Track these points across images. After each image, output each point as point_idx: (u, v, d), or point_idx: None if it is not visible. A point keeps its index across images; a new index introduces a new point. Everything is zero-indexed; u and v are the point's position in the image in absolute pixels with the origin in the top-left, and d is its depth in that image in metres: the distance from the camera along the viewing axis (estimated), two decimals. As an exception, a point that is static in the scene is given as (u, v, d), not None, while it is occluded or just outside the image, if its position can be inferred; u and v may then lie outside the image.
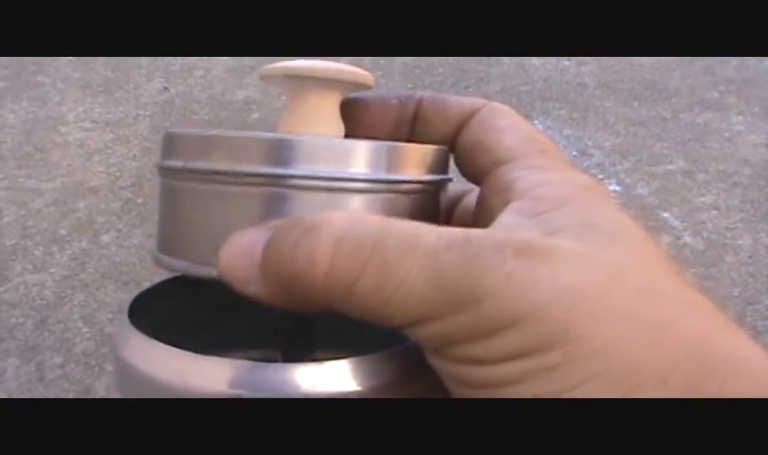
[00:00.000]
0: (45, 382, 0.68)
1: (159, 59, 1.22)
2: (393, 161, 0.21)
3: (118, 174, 0.97)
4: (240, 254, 0.18)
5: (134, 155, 1.00)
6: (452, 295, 0.15)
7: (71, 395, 0.67)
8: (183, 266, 0.21)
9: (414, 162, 0.22)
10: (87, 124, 1.08)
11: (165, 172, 0.24)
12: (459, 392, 0.18)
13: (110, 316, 0.74)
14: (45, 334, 0.72)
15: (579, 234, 0.17)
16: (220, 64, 1.21)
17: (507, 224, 0.17)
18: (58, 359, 0.70)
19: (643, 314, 0.16)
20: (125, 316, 0.24)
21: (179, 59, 1.22)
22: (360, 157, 0.20)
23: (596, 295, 0.16)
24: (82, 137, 1.05)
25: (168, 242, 0.23)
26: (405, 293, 0.15)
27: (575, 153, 0.94)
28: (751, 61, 1.25)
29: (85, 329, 0.73)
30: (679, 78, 1.16)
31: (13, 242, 0.85)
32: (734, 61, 1.24)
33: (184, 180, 0.22)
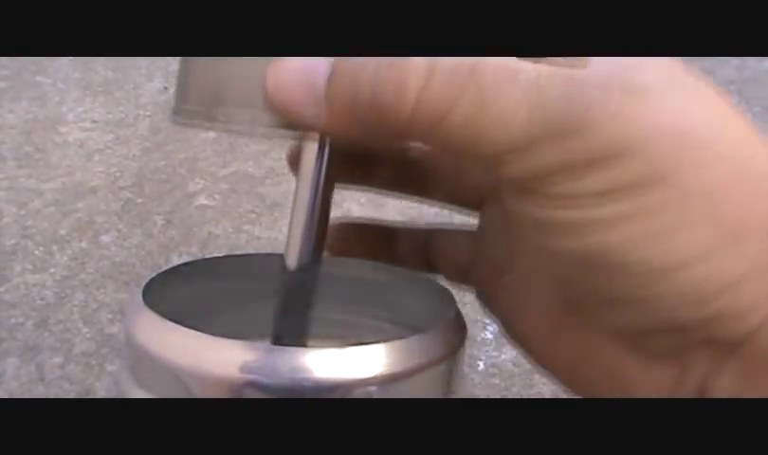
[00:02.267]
0: (45, 382, 0.68)
1: (159, 59, 1.22)
2: None
3: (118, 174, 0.97)
4: (294, 79, 0.16)
5: (134, 155, 1.00)
6: (554, 125, 0.14)
7: (71, 395, 0.67)
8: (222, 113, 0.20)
9: None
10: (87, 124, 1.08)
11: None
12: (543, 240, 0.16)
13: (110, 316, 0.74)
14: (46, 334, 0.72)
15: (672, 83, 0.16)
16: (220, 64, 1.21)
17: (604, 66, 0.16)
18: (58, 359, 0.70)
19: (746, 163, 0.15)
20: (139, 296, 0.24)
21: (179, 59, 1.22)
22: None
23: (704, 138, 0.15)
24: (82, 137, 1.05)
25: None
26: (505, 122, 0.14)
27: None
28: (751, 61, 1.25)
29: (85, 329, 0.73)
30: (679, 78, 1.16)
31: (13, 242, 0.85)
32: (734, 61, 1.24)
33: None
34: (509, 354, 0.67)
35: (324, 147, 0.21)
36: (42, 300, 0.76)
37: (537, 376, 0.65)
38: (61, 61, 1.23)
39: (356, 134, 0.16)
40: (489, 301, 0.24)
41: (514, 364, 0.66)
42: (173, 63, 1.22)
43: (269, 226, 0.87)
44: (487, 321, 0.71)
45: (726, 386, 0.18)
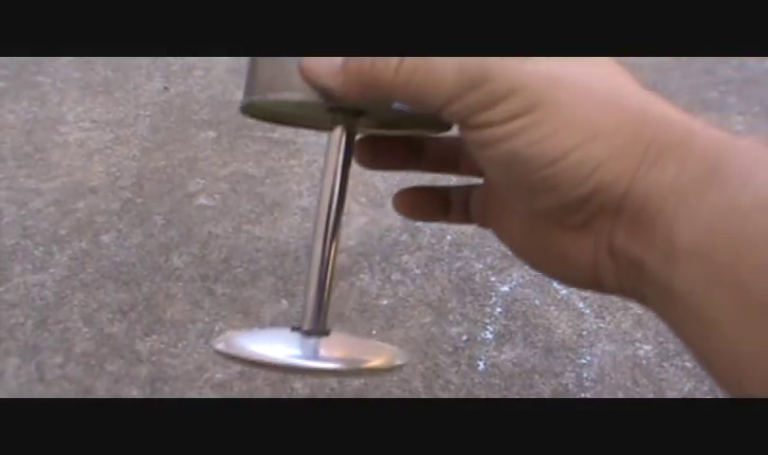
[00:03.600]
0: (45, 382, 0.68)
1: (159, 59, 1.22)
2: None
3: (118, 174, 0.97)
4: (320, 62, 0.26)
5: (134, 155, 1.00)
6: (470, 79, 0.24)
7: (71, 395, 0.67)
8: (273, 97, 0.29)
9: None
10: (87, 124, 1.08)
11: None
12: (481, 154, 0.25)
13: (110, 316, 0.74)
14: (45, 334, 0.72)
15: (556, 60, 0.24)
16: (220, 64, 1.21)
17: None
18: (58, 359, 0.70)
19: (595, 90, 0.24)
20: None
21: (179, 59, 1.22)
22: None
23: (562, 77, 0.24)
24: (82, 137, 1.05)
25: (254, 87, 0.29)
26: (442, 81, 0.24)
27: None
28: (751, 61, 1.25)
29: (85, 329, 0.73)
30: (679, 78, 1.16)
31: (13, 242, 0.85)
32: (734, 61, 1.24)
33: None
34: (509, 354, 0.67)
35: (345, 136, 0.30)
36: (42, 299, 0.76)
37: (537, 376, 0.65)
38: (61, 61, 1.23)
39: (360, 94, 0.26)
40: (486, 223, 0.33)
41: (514, 364, 0.66)
42: (173, 63, 1.23)
43: (269, 226, 0.87)
44: (487, 321, 0.71)
45: (622, 239, 0.24)
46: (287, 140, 1.03)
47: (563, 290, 0.76)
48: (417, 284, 0.75)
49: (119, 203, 0.91)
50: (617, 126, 0.23)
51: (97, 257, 0.82)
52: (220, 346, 0.28)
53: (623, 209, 0.24)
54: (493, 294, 0.76)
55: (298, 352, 0.29)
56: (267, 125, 1.06)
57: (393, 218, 0.86)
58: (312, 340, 0.30)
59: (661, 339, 0.67)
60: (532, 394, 0.63)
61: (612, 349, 0.67)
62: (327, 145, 0.30)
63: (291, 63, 0.27)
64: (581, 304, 0.74)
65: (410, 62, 0.24)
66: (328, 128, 0.30)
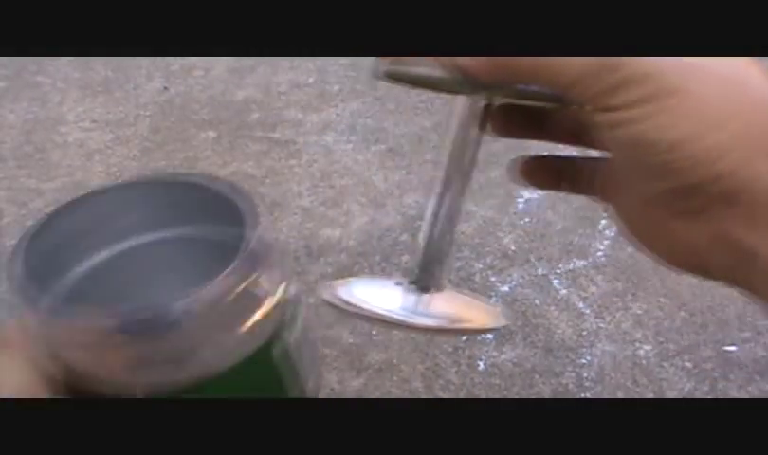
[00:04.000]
0: (46, 382, 0.68)
1: (159, 59, 1.22)
2: None
3: (118, 174, 0.97)
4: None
5: (134, 155, 1.00)
6: (604, 62, 0.24)
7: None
8: (407, 71, 0.29)
9: None
10: (87, 124, 1.08)
11: None
12: (605, 135, 0.26)
13: (110, 316, 0.74)
14: (46, 334, 0.72)
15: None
16: (220, 64, 1.21)
17: None
18: (58, 359, 0.70)
19: (728, 82, 0.24)
20: None
21: (179, 59, 1.22)
22: None
23: (697, 67, 0.24)
24: (82, 137, 1.05)
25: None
26: (577, 63, 0.25)
27: (575, 152, 0.94)
28: (751, 61, 1.24)
29: (85, 329, 0.73)
30: (679, 78, 1.16)
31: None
32: (734, 61, 1.23)
33: None
34: (509, 354, 0.67)
35: (476, 104, 0.31)
36: (42, 299, 0.76)
37: (537, 376, 0.65)
38: (61, 61, 1.23)
39: (495, 77, 0.27)
40: (605, 198, 0.34)
41: (514, 364, 0.66)
42: (173, 63, 1.23)
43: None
44: (487, 321, 0.71)
45: (737, 229, 0.25)
46: (287, 140, 1.03)
47: (563, 290, 0.76)
48: (417, 284, 0.75)
49: (119, 203, 0.91)
50: (745, 118, 0.24)
51: (97, 257, 0.82)
52: (326, 295, 0.29)
53: (741, 199, 0.24)
54: (493, 294, 0.76)
55: (394, 306, 0.29)
56: (268, 125, 1.06)
57: (393, 218, 0.86)
58: (413, 296, 0.30)
59: (661, 339, 0.68)
60: (532, 394, 0.63)
61: (612, 349, 0.67)
62: (459, 109, 0.31)
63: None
64: (581, 304, 0.74)
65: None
66: (457, 92, 0.31)
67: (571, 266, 0.78)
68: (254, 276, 0.30)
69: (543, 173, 0.36)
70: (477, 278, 0.77)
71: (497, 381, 0.65)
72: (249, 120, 1.08)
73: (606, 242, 0.80)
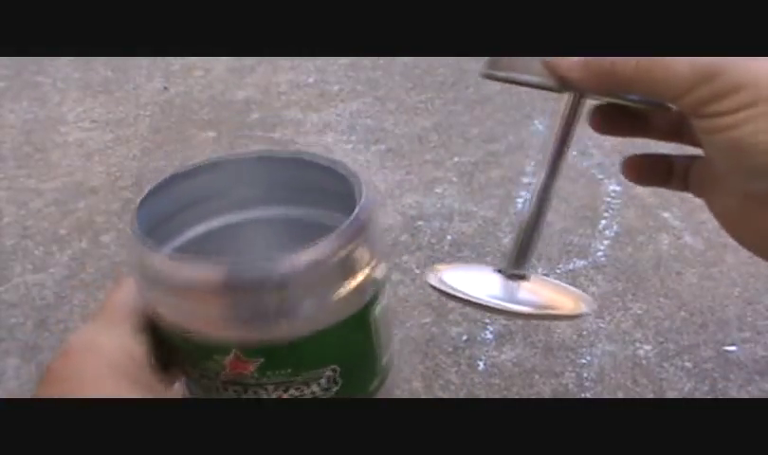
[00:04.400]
0: (46, 382, 0.68)
1: (159, 59, 1.22)
2: None
3: (118, 174, 0.97)
4: (560, 60, 0.29)
5: (134, 155, 1.00)
6: (702, 74, 0.27)
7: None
8: (512, 76, 0.32)
9: None
10: (87, 124, 1.08)
11: None
12: (706, 139, 0.28)
13: (110, 316, 0.74)
14: (46, 334, 0.72)
15: None
16: (220, 64, 1.21)
17: None
18: (58, 359, 0.70)
19: None
20: None
21: (179, 59, 1.22)
22: None
23: None
24: (82, 137, 1.05)
25: (498, 63, 0.33)
26: (677, 75, 0.27)
27: (574, 152, 0.94)
28: (751, 61, 1.24)
29: (85, 329, 0.73)
30: (679, 78, 1.16)
31: (13, 242, 0.85)
32: (734, 61, 1.23)
33: None
34: (509, 354, 0.67)
35: (577, 103, 0.33)
36: (42, 299, 0.76)
37: (537, 376, 0.65)
38: (61, 61, 1.23)
39: (599, 86, 0.30)
40: (702, 194, 0.36)
41: (514, 364, 0.66)
42: (173, 63, 1.23)
43: (269, 226, 0.87)
44: (487, 321, 0.71)
45: None
46: (287, 140, 1.03)
47: (563, 290, 0.76)
48: (417, 284, 0.75)
49: (119, 203, 0.91)
50: None
51: (97, 257, 0.82)
52: (433, 280, 0.33)
53: None
54: (493, 294, 0.75)
55: (494, 292, 0.33)
56: (267, 125, 1.06)
57: (393, 218, 0.86)
58: (510, 283, 0.34)
59: (661, 339, 0.68)
60: (532, 394, 0.63)
61: (612, 349, 0.67)
62: (560, 109, 0.34)
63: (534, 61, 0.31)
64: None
65: (646, 59, 0.27)
66: (556, 90, 0.34)
67: (571, 266, 0.78)
68: (358, 242, 0.32)
69: (650, 172, 0.39)
70: (477, 278, 0.77)
71: (497, 381, 0.65)
72: (249, 120, 1.08)
73: (606, 242, 0.80)
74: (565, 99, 0.33)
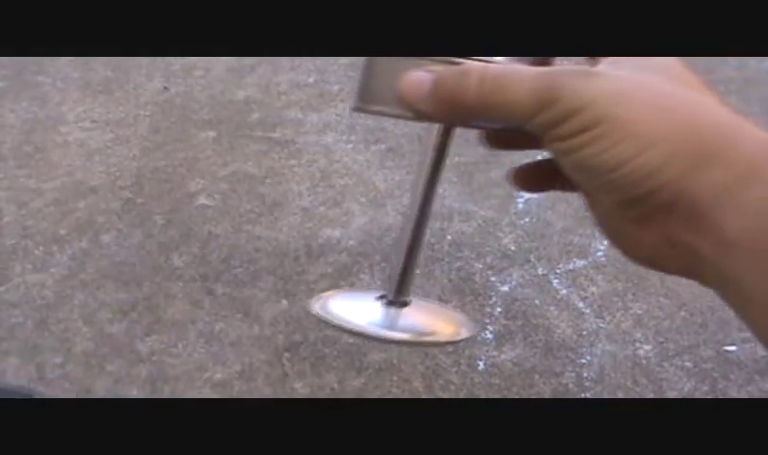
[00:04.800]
0: (46, 382, 0.68)
1: (159, 59, 1.22)
2: None
3: (118, 174, 0.97)
4: (412, 88, 0.30)
5: (134, 155, 1.00)
6: (541, 101, 0.27)
7: (71, 395, 0.67)
8: (378, 109, 0.32)
9: None
10: (87, 124, 1.08)
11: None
12: (558, 161, 0.29)
13: (110, 316, 0.74)
14: (45, 334, 0.72)
15: (625, 68, 0.28)
16: (220, 64, 1.21)
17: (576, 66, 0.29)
18: (58, 359, 0.70)
19: (656, 104, 0.27)
20: None
21: (179, 59, 1.22)
22: None
23: (628, 93, 0.27)
24: (82, 137, 1.05)
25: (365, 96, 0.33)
26: (516, 105, 0.27)
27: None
28: (751, 61, 1.25)
29: (85, 329, 0.73)
30: (679, 78, 1.16)
31: (13, 242, 0.85)
32: (734, 61, 1.24)
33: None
34: (509, 354, 0.67)
35: (448, 131, 0.33)
36: (42, 299, 0.76)
37: (537, 376, 0.65)
38: (61, 61, 1.23)
39: (447, 117, 0.30)
40: (588, 204, 0.36)
41: (514, 364, 0.66)
42: (173, 63, 1.22)
43: (269, 225, 0.87)
44: (487, 321, 0.71)
45: (679, 231, 0.27)
46: (287, 140, 1.03)
47: (563, 290, 0.76)
48: (417, 284, 0.75)
49: (119, 203, 0.91)
50: (672, 136, 0.27)
51: (97, 257, 0.82)
52: (315, 308, 0.33)
53: (678, 206, 0.27)
54: (493, 294, 0.75)
55: (374, 320, 0.33)
56: (268, 125, 1.06)
57: (393, 218, 0.86)
58: (391, 310, 0.34)
59: (661, 339, 0.67)
60: (532, 394, 0.63)
61: (612, 349, 0.67)
62: (426, 136, 0.34)
63: (392, 82, 0.32)
64: (581, 304, 0.73)
65: (488, 87, 0.28)
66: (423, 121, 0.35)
67: (571, 266, 0.78)
68: None
69: (536, 178, 0.38)
70: (477, 278, 0.77)
71: (497, 381, 0.65)
72: (249, 120, 1.07)
73: (606, 242, 0.80)
74: (435, 127, 0.33)
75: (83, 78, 1.20)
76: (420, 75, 0.30)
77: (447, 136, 0.34)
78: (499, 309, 0.73)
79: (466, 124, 0.33)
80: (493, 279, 0.77)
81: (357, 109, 0.34)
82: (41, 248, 0.83)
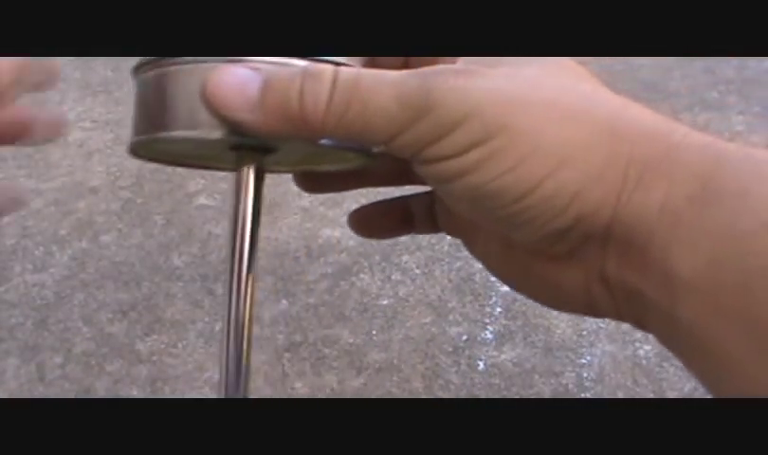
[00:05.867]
0: (46, 382, 0.68)
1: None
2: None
3: (118, 174, 0.97)
4: (231, 87, 0.22)
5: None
6: (412, 109, 0.20)
7: (71, 395, 0.67)
8: (165, 135, 0.24)
9: None
10: (87, 124, 1.08)
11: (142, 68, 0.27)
12: (440, 190, 0.23)
13: (110, 316, 0.74)
14: (45, 334, 0.72)
15: (507, 64, 0.22)
16: (220, 64, 1.21)
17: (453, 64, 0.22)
18: (58, 359, 0.70)
19: (560, 105, 0.21)
20: None
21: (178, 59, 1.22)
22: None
23: (520, 95, 0.21)
24: (82, 137, 1.05)
25: (146, 125, 0.25)
26: (380, 115, 0.20)
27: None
28: (751, 61, 1.25)
29: (85, 329, 0.73)
30: (679, 78, 1.16)
31: (13, 242, 0.85)
32: (734, 61, 1.23)
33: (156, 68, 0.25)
34: (509, 354, 0.67)
35: (261, 174, 0.25)
36: (42, 299, 0.76)
37: (537, 376, 0.65)
38: (61, 61, 1.23)
39: (284, 132, 0.22)
40: (467, 245, 0.29)
41: (514, 364, 0.66)
42: (173, 63, 1.18)
43: (269, 225, 0.87)
44: (487, 321, 0.71)
45: (614, 268, 0.21)
46: (287, 140, 1.03)
47: (563, 290, 0.76)
48: (417, 284, 0.75)
49: (119, 203, 0.91)
50: (589, 145, 0.20)
51: (97, 257, 0.82)
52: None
53: (611, 236, 0.21)
54: (493, 294, 0.76)
55: None
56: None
57: (393, 218, 0.86)
58: None
59: (661, 339, 0.68)
60: (532, 394, 0.63)
61: (612, 349, 0.67)
62: (235, 190, 0.25)
63: (188, 93, 0.23)
64: (581, 304, 0.73)
65: (342, 94, 0.21)
66: (230, 169, 0.26)
67: (571, 266, 0.78)
68: None
69: (386, 222, 0.31)
70: (477, 278, 0.77)
71: (497, 381, 0.65)
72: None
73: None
74: (244, 174, 0.25)
75: (83, 78, 1.20)
76: (242, 72, 0.22)
77: (261, 179, 0.25)
78: (499, 309, 0.73)
79: (296, 144, 0.23)
80: (493, 279, 0.77)
81: (136, 146, 0.24)
82: (41, 248, 0.83)
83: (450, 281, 0.77)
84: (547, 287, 0.24)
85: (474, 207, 0.22)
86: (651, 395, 0.61)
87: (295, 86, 0.21)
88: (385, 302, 0.74)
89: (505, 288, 0.77)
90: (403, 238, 0.82)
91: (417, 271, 0.77)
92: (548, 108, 0.21)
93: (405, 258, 0.79)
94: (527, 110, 0.20)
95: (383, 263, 0.79)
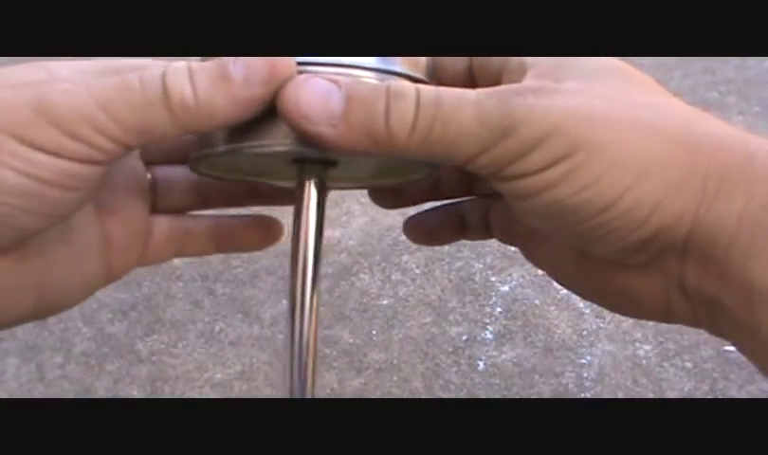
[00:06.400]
0: (46, 382, 0.68)
1: (159, 59, 1.22)
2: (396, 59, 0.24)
3: (118, 174, 0.97)
4: (313, 100, 0.22)
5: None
6: (495, 129, 0.21)
7: (71, 395, 0.67)
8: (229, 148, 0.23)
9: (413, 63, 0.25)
10: (87, 124, 1.08)
11: None
12: (517, 205, 0.23)
13: (110, 316, 0.74)
14: (46, 334, 0.72)
15: (577, 77, 0.23)
16: (220, 64, 1.21)
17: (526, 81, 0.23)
18: (58, 359, 0.70)
19: (639, 120, 0.22)
20: None
21: (179, 59, 1.22)
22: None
23: (598, 111, 0.21)
24: (82, 137, 1.05)
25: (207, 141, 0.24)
26: (463, 135, 0.21)
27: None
28: (751, 61, 1.25)
29: (85, 329, 0.73)
30: (679, 78, 1.16)
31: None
32: (734, 61, 1.24)
33: None
34: (509, 354, 0.67)
35: (323, 187, 0.25)
36: (42, 299, 0.76)
37: (537, 376, 0.65)
38: (61, 60, 1.23)
39: (366, 148, 0.22)
40: (527, 252, 0.30)
41: (514, 364, 0.66)
42: (172, 62, 1.20)
43: (269, 226, 0.87)
44: (487, 321, 0.71)
45: (694, 278, 0.22)
46: (287, 140, 1.03)
47: (563, 290, 0.76)
48: (417, 284, 0.75)
49: (119, 203, 0.91)
50: (668, 158, 0.21)
51: (97, 257, 0.82)
52: None
53: (690, 247, 0.22)
54: (493, 294, 0.76)
55: None
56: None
57: (394, 218, 0.86)
58: None
59: (661, 339, 0.67)
60: (532, 394, 0.63)
61: (612, 349, 0.67)
62: (296, 203, 0.25)
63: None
64: (581, 304, 0.74)
65: (425, 115, 0.21)
66: (285, 184, 0.25)
67: (571, 266, 0.78)
68: None
69: (441, 228, 0.32)
70: (477, 278, 0.77)
71: (497, 381, 0.65)
72: (249, 120, 1.07)
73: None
74: (307, 189, 0.25)
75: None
76: (324, 84, 0.22)
77: (323, 193, 0.25)
78: (499, 309, 0.73)
79: (360, 159, 0.24)
80: (493, 279, 0.77)
81: (199, 159, 0.24)
82: (41, 248, 0.83)
83: (450, 281, 0.77)
84: (623, 296, 0.24)
85: (552, 221, 0.22)
86: (651, 395, 0.61)
87: (380, 105, 0.21)
88: (385, 302, 0.74)
89: (505, 288, 0.77)
90: (402, 237, 0.82)
91: (417, 271, 0.77)
92: (625, 123, 0.21)
93: (405, 258, 0.79)
94: (605, 125, 0.21)
95: (383, 264, 0.79)
